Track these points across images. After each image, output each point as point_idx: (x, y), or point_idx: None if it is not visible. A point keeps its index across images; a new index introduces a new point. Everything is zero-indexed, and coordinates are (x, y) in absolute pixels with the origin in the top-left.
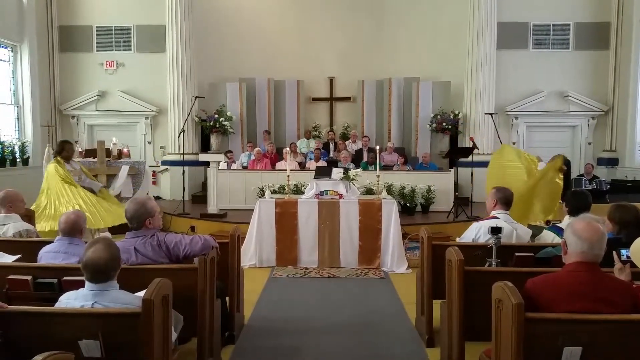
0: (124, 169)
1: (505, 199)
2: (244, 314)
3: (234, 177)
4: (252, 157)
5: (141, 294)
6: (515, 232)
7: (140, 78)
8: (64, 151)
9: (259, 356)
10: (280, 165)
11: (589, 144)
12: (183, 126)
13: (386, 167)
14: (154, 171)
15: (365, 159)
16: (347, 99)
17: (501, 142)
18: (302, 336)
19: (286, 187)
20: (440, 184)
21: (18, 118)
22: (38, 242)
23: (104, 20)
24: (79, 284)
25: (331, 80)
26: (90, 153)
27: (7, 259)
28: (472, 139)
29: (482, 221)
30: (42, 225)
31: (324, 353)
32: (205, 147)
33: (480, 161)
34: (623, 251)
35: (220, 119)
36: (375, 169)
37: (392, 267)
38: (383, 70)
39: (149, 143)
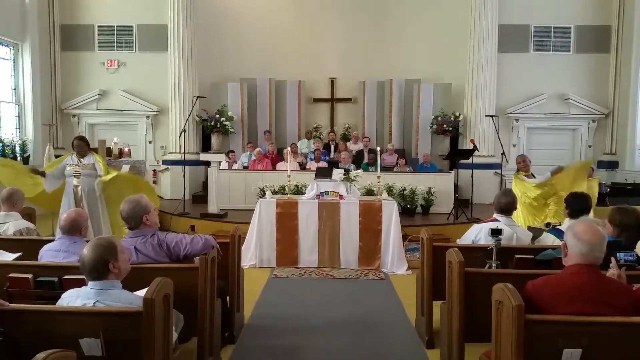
0: (125, 169)
1: (498, 205)
2: (244, 314)
3: (234, 177)
4: (253, 157)
5: (142, 293)
6: (516, 235)
7: (142, 77)
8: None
9: (258, 356)
10: (280, 165)
11: (589, 146)
12: (184, 126)
13: (387, 168)
14: (154, 171)
15: (365, 159)
16: (348, 99)
17: (502, 145)
18: (301, 336)
19: (287, 188)
20: (440, 185)
21: (19, 116)
22: (39, 240)
23: (106, 19)
24: (80, 283)
25: (332, 81)
26: None
27: (8, 257)
28: (472, 141)
29: (483, 223)
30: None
31: (323, 353)
32: (206, 147)
33: (480, 163)
34: (620, 254)
35: (221, 119)
36: (376, 170)
37: (392, 268)
38: (384, 72)
39: (150, 142)
